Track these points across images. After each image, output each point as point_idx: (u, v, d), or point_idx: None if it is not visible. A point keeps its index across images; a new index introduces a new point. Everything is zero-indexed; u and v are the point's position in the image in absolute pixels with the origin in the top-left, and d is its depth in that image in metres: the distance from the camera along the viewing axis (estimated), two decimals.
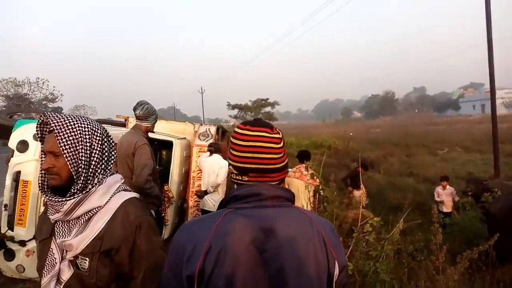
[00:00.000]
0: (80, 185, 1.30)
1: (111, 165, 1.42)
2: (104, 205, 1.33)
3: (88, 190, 1.31)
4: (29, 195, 3.79)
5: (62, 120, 1.31)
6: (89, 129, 1.35)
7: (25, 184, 3.79)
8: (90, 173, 1.33)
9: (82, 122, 1.35)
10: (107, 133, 1.43)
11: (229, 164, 1.12)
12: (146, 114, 3.47)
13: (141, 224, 1.34)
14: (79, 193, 1.30)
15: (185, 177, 5.94)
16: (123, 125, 6.26)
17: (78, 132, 1.32)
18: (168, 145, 5.67)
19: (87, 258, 1.30)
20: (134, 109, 3.50)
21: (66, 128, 1.30)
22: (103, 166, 1.37)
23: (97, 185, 1.34)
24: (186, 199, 5.93)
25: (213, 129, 6.28)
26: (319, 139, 23.60)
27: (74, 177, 1.31)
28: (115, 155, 1.44)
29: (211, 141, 5.97)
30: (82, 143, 1.31)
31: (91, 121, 1.40)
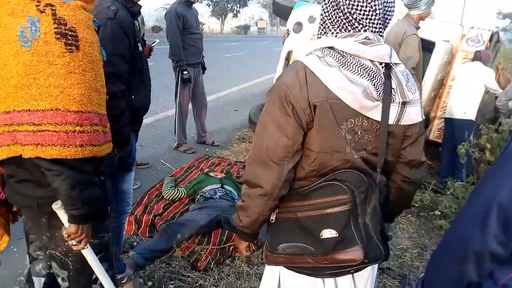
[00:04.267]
0: None
1: (352, 24, 1.18)
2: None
3: None
4: None
5: None
6: None
7: None
8: (320, 28, 1.25)
9: None
10: None
11: None
12: (414, 0, 3.22)
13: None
14: None
15: (439, 85, 5.42)
16: None
17: None
18: (427, 46, 5.15)
19: None
20: None
21: None
22: (328, 24, 1.22)
23: None
24: (435, 109, 5.50)
25: (486, 34, 5.22)
26: None
27: None
28: (360, 17, 1.17)
29: (481, 48, 5.06)
30: None
31: None
